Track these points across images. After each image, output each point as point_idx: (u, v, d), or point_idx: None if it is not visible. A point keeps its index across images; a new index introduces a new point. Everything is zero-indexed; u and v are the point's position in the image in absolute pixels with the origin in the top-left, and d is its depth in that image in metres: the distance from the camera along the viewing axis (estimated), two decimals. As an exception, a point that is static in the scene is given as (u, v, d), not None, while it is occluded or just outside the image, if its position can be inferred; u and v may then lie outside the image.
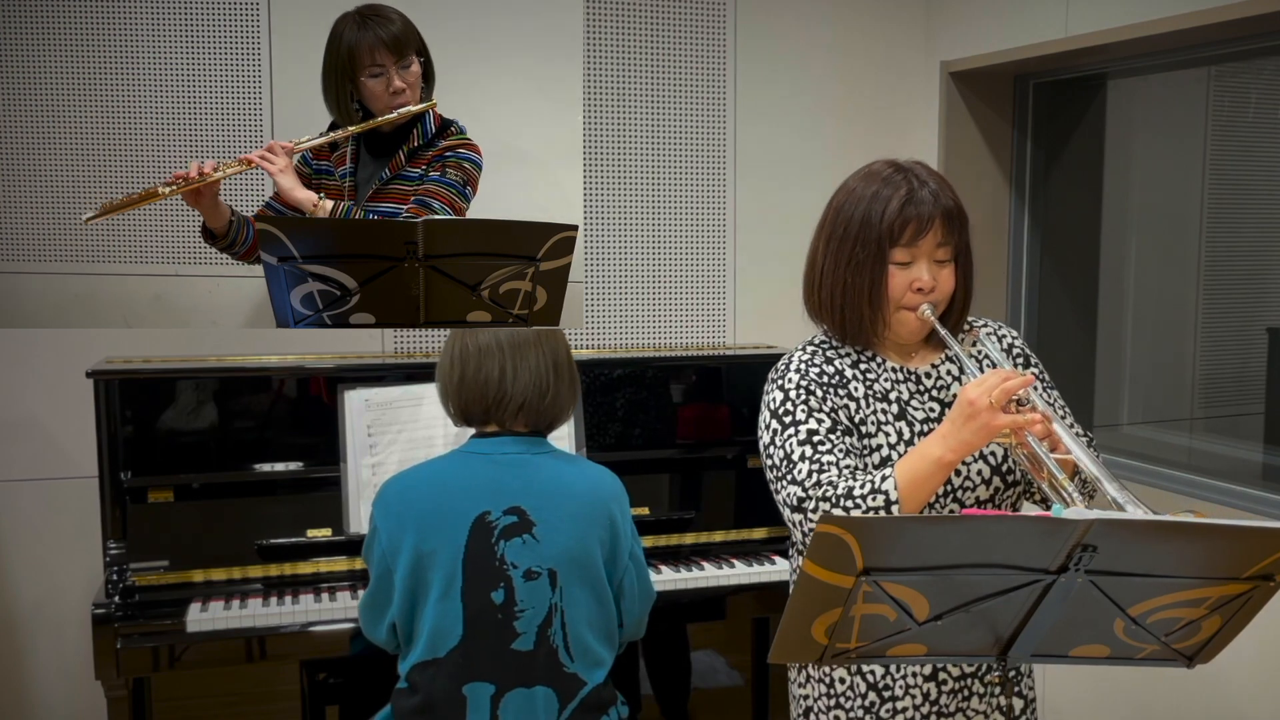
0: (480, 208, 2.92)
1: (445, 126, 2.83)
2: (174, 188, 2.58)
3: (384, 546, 2.12)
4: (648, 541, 2.89)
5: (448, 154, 2.80)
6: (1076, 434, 1.78)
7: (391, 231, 2.41)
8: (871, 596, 1.49)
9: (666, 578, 2.84)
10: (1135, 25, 2.99)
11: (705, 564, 2.94)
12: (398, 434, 2.78)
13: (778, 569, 2.93)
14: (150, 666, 2.55)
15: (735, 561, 2.95)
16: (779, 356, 3.22)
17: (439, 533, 2.09)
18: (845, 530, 1.41)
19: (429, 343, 3.44)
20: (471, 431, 2.25)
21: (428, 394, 2.79)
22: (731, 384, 3.26)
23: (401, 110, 2.74)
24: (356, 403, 2.78)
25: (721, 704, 3.37)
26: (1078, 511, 1.42)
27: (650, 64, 3.59)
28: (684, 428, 3.18)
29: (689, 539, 3.04)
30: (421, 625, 2.12)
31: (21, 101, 3.04)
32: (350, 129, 2.74)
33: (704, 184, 3.68)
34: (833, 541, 1.42)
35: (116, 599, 2.58)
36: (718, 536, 3.07)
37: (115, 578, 2.66)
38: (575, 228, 2.43)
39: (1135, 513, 1.55)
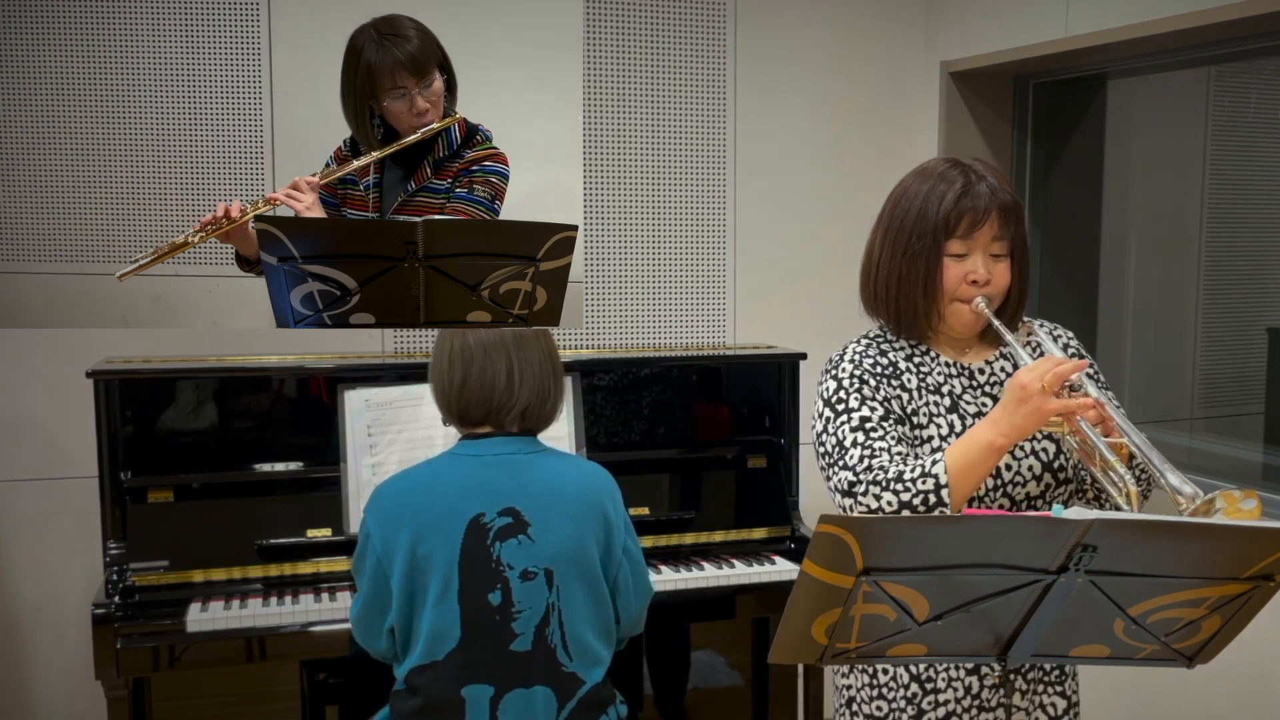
0: (480, 208, 2.92)
1: (471, 135, 2.77)
2: (203, 234, 2.55)
3: (379, 551, 2.12)
4: (648, 542, 2.89)
5: (474, 168, 2.75)
6: (1130, 423, 1.76)
7: (391, 231, 2.41)
8: (871, 596, 1.49)
9: (666, 578, 2.84)
10: (1135, 25, 2.99)
11: (705, 564, 2.94)
12: (398, 434, 2.78)
13: (778, 569, 2.93)
14: (150, 666, 2.55)
15: (735, 561, 2.95)
16: (779, 356, 3.25)
17: (434, 536, 2.09)
18: (845, 530, 1.41)
19: (429, 343, 3.44)
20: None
21: (428, 394, 2.77)
22: (731, 384, 3.26)
23: (425, 130, 2.70)
24: (356, 403, 2.78)
25: (721, 704, 3.37)
26: (1078, 511, 1.42)
27: (650, 64, 3.59)
28: (684, 427, 3.18)
29: (689, 539, 3.04)
30: (419, 629, 2.11)
31: (21, 101, 3.04)
32: (374, 154, 2.69)
33: (704, 184, 3.68)
34: (833, 541, 1.42)
35: (116, 599, 2.58)
36: (718, 536, 3.07)
37: (115, 578, 2.66)
38: (575, 228, 2.42)
39: (1188, 490, 1.54)
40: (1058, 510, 1.43)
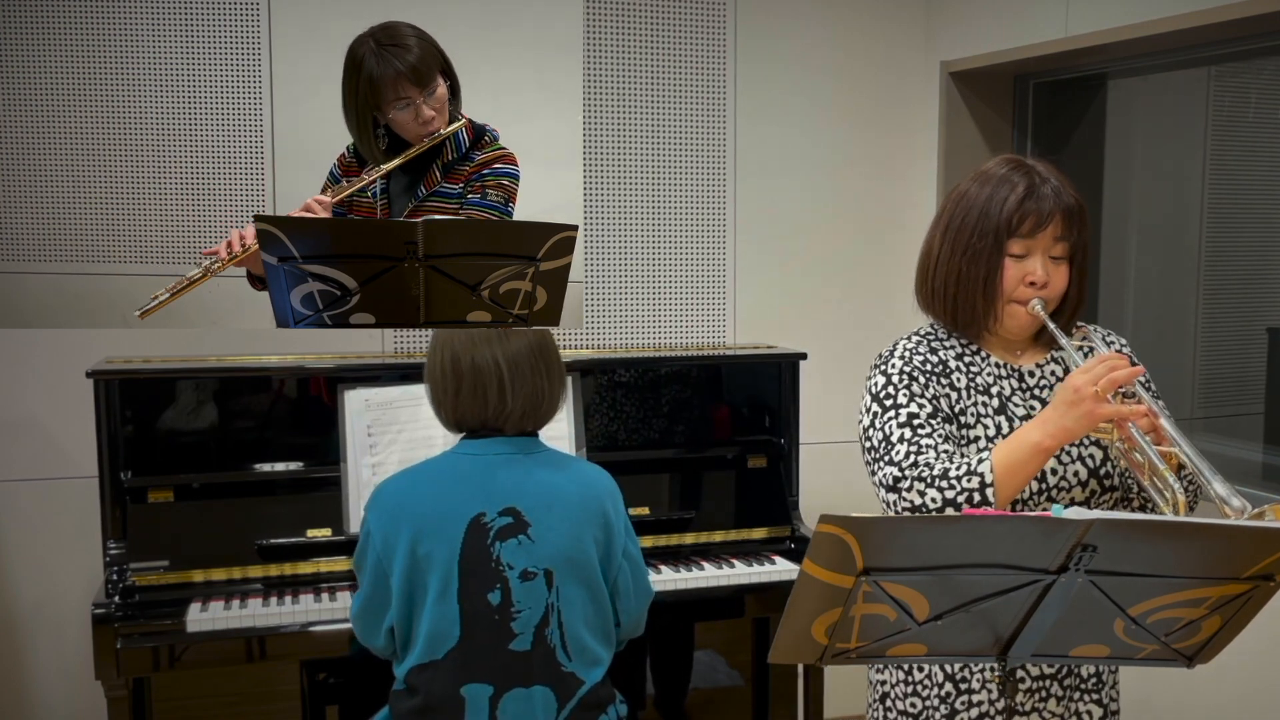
0: (480, 208, 2.92)
1: (479, 136, 2.74)
2: (221, 262, 2.52)
3: (379, 550, 2.12)
4: (648, 542, 2.89)
5: (485, 172, 2.72)
6: (1182, 434, 1.75)
7: (391, 231, 2.40)
8: (871, 596, 1.49)
9: (666, 578, 2.84)
10: (1135, 25, 2.99)
11: (705, 564, 2.94)
12: (398, 434, 2.78)
13: (778, 569, 2.93)
14: (150, 666, 2.55)
15: (735, 561, 2.95)
16: (779, 356, 3.25)
17: (434, 535, 2.09)
18: (845, 530, 1.41)
19: (429, 343, 3.43)
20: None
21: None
22: (731, 384, 3.25)
23: (433, 138, 2.66)
24: (356, 403, 2.78)
25: (722, 704, 3.37)
26: (1078, 511, 1.42)
27: (650, 64, 3.59)
28: (684, 427, 3.18)
29: (689, 539, 3.04)
30: (419, 628, 2.11)
31: (21, 101, 3.04)
32: (385, 167, 2.65)
33: (704, 184, 3.68)
34: (833, 541, 1.42)
35: (116, 599, 2.58)
36: (718, 536, 3.07)
37: (115, 578, 2.66)
38: (575, 228, 2.42)
39: (1236, 503, 1.53)
40: (1058, 510, 1.43)
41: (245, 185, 3.16)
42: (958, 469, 1.81)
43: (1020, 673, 1.92)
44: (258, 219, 2.41)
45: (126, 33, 3.08)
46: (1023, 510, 1.88)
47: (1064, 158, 3.74)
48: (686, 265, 3.69)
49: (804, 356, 3.24)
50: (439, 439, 2.75)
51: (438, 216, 2.70)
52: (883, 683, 2.05)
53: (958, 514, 1.78)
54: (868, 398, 1.96)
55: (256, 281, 2.69)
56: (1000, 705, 1.92)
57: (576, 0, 3.39)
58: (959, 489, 1.79)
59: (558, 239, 2.39)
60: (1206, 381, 3.58)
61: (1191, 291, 3.54)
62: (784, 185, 3.75)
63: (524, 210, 2.82)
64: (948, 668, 1.95)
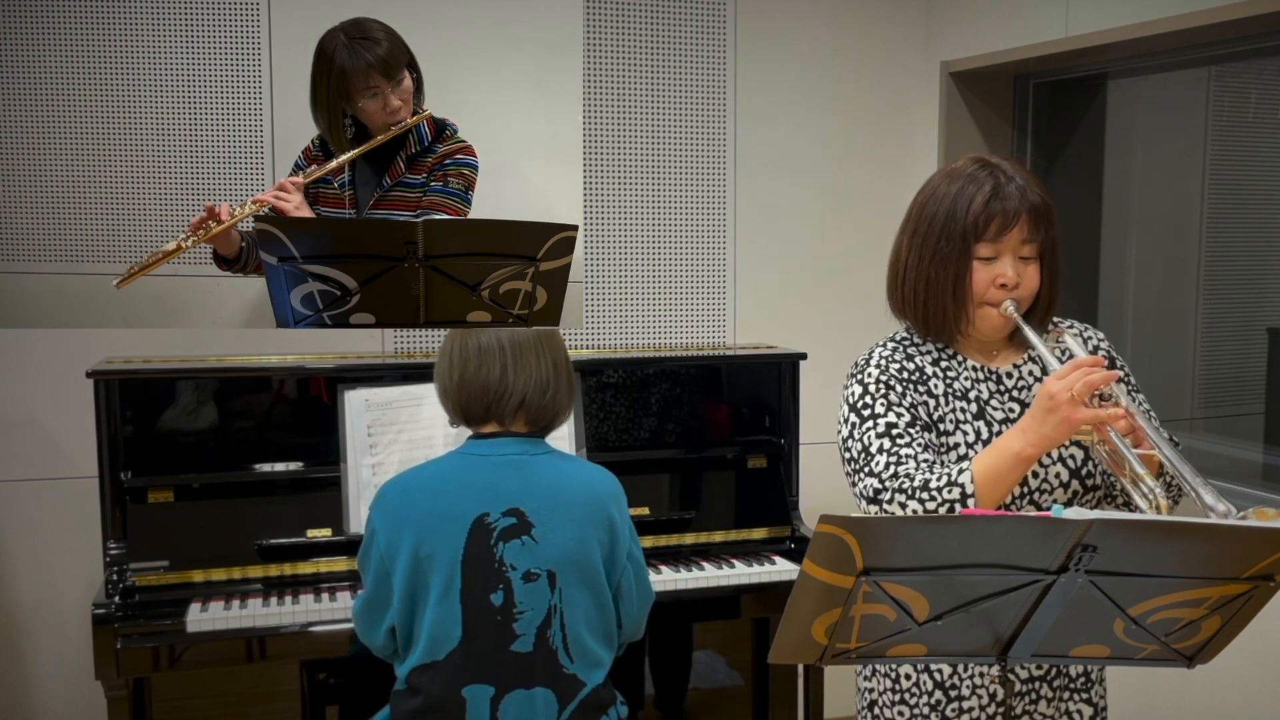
0: (480, 208, 2.92)
1: (441, 130, 2.85)
2: (194, 238, 2.62)
3: (382, 550, 2.12)
4: (648, 542, 2.89)
5: (447, 163, 2.84)
6: (1162, 433, 1.76)
7: (391, 231, 2.42)
8: (871, 596, 1.49)
9: (666, 578, 2.84)
10: (1135, 25, 2.99)
11: (705, 564, 2.94)
12: (398, 434, 2.78)
13: (778, 569, 2.93)
14: (150, 666, 2.55)
15: (735, 561, 2.95)
16: (779, 356, 3.26)
17: (438, 535, 2.09)
18: (845, 530, 1.41)
19: (429, 343, 3.44)
20: (469, 432, 2.25)
21: (428, 394, 2.79)
22: (731, 384, 3.25)
23: (397, 127, 2.78)
24: (356, 403, 2.78)
25: (722, 704, 3.37)
26: (1077, 511, 1.42)
27: (650, 64, 3.59)
28: (684, 427, 3.18)
29: (689, 539, 3.04)
30: (420, 628, 2.11)
31: (21, 101, 3.04)
32: (352, 153, 2.79)
33: (704, 184, 3.68)
34: (833, 541, 1.42)
35: (116, 599, 2.58)
36: (718, 536, 3.07)
37: (115, 578, 2.66)
38: (575, 228, 2.43)
39: (1221, 508, 1.52)
40: (1057, 510, 1.43)
41: (245, 185, 3.16)
42: (938, 480, 1.79)
43: (1010, 675, 1.92)
44: (257, 219, 2.42)
45: (126, 33, 3.08)
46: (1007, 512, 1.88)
47: (1064, 158, 3.75)
48: (686, 265, 3.69)
49: (804, 356, 3.24)
50: (439, 439, 2.75)
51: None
52: (870, 690, 2.03)
53: (957, 514, 1.78)
54: (845, 408, 1.95)
55: (221, 261, 2.77)
56: (991, 711, 1.92)
57: (576, 0, 3.39)
58: (940, 500, 1.78)
59: (558, 239, 2.40)
60: (1206, 381, 3.58)
61: (1191, 291, 3.54)
62: (784, 185, 3.75)
63: (524, 210, 2.84)
64: (937, 675, 1.94)
